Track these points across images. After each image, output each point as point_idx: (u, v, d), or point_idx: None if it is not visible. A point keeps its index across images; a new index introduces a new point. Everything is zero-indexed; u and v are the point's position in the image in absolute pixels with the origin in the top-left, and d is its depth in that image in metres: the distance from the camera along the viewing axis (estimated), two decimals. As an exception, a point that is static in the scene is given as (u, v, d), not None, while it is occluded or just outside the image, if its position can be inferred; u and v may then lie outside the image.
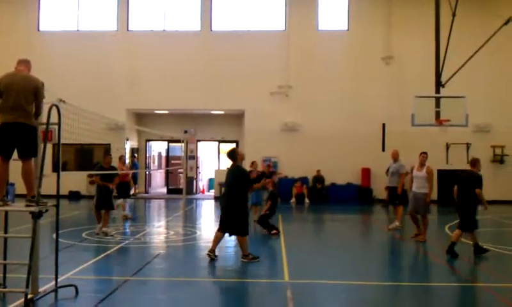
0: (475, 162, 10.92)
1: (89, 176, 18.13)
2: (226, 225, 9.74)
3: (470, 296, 7.77)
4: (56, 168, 7.59)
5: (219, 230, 9.89)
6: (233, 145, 26.56)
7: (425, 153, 12.57)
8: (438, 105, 17.13)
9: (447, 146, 23.01)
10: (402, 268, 10.35)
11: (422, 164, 12.44)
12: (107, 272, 8.95)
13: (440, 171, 22.48)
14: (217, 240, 9.93)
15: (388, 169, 17.09)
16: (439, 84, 17.84)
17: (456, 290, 8.00)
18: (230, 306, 7.01)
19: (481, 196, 10.41)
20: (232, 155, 10.05)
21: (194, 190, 26.31)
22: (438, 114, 17.10)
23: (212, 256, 9.77)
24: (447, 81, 17.72)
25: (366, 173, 23.00)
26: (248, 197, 12.83)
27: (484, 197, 10.42)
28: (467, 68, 17.98)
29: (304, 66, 23.66)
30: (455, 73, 17.77)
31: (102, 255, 10.15)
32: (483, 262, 10.12)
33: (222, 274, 9.06)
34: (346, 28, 24.04)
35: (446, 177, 22.62)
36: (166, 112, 25.76)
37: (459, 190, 10.81)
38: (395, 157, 14.13)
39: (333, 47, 23.97)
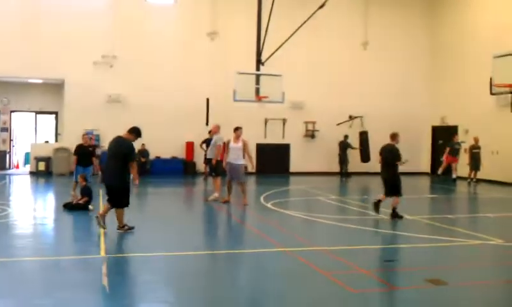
0: (394, 136, 12.20)
1: None
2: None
3: (277, 261, 8.48)
4: None
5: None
6: (53, 117, 25.17)
7: (240, 127, 13.86)
8: (257, 82, 18.02)
9: (266, 121, 24.41)
10: (218, 237, 10.91)
11: (237, 137, 13.69)
12: None
13: (258, 145, 23.89)
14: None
15: (202, 142, 19.77)
16: (259, 62, 18.77)
17: (267, 256, 8.67)
18: (43, 284, 6.78)
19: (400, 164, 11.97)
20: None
21: (8, 165, 24.35)
22: (257, 90, 18.00)
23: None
24: (266, 59, 18.67)
25: (190, 146, 23.42)
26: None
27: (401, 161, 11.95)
28: (286, 48, 19.08)
29: (131, 37, 23.04)
30: (274, 52, 18.78)
31: None
32: (294, 228, 11.12)
33: (34, 253, 8.66)
34: (173, 1, 23.94)
35: (263, 150, 24.18)
36: (-26, 79, 23.32)
37: (382, 161, 12.13)
38: (215, 131, 14.76)
39: (160, 20, 23.71)
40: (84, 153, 14.25)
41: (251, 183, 20.45)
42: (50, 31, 22.02)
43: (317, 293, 6.62)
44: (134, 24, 23.16)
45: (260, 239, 10.06)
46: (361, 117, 25.24)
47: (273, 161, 24.42)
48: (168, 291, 6.66)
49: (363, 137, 24.70)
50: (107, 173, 10.21)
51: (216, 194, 14.40)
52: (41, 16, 22.09)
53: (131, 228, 9.97)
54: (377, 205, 12.05)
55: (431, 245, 9.53)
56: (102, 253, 8.37)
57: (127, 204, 9.96)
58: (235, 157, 13.59)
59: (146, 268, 7.66)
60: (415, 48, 26.24)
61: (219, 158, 14.38)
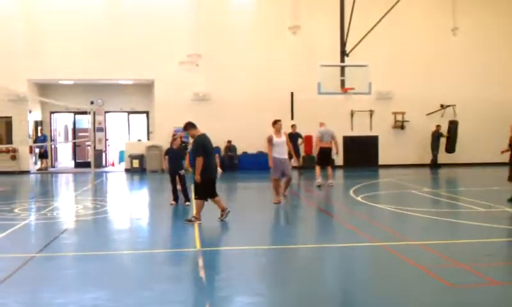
0: None
1: None
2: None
3: (370, 254, 8.27)
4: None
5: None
6: (144, 116, 26.19)
7: (279, 120, 12.96)
8: (342, 74, 17.71)
9: (352, 113, 23.97)
10: (309, 230, 10.81)
11: (278, 131, 12.82)
12: (12, 249, 8.58)
13: (345, 137, 23.52)
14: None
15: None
16: (343, 53, 18.43)
17: (359, 250, 8.48)
18: (141, 277, 7.02)
19: None
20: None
21: (104, 163, 25.65)
22: (342, 82, 17.69)
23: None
24: (351, 50, 18.31)
25: (276, 141, 23.46)
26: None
27: None
28: (370, 37, 18.65)
29: (214, 35, 23.50)
30: (358, 43, 18.39)
31: (6, 232, 9.72)
32: (385, 222, 10.81)
33: (133, 246, 9.02)
34: (255, -3, 24.13)
35: (350, 143, 23.78)
36: (71, 82, 24.72)
37: None
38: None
39: (242, 16, 24.00)
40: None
41: (339, 177, 20.23)
42: (137, 34, 22.97)
43: (414, 288, 6.36)
44: (217, 22, 23.58)
45: (352, 233, 9.84)
46: (453, 106, 24.13)
47: (361, 154, 23.93)
48: (262, 285, 6.66)
49: (453, 126, 23.63)
50: (214, 168, 10.46)
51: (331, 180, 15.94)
52: (129, 21, 23.11)
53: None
54: None
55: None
56: (198, 246, 8.55)
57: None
58: (282, 151, 12.80)
59: (240, 262, 7.72)
60: (509, 33, 24.68)
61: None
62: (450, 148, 23.54)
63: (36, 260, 7.80)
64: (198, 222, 10.07)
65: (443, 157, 23.63)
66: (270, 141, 12.75)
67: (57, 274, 7.16)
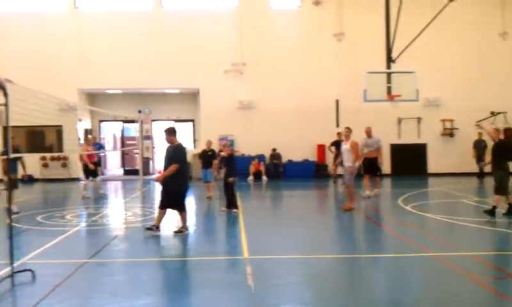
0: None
1: None
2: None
3: (421, 265, 8.07)
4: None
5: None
6: (190, 124, 26.51)
7: (347, 127, 13.38)
8: (389, 80, 17.43)
9: (399, 121, 23.56)
10: (358, 240, 10.65)
11: (346, 137, 13.19)
12: (64, 255, 8.83)
13: (392, 145, 23.14)
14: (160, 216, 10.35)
15: (330, 145, 20.31)
16: (390, 60, 18.15)
17: (409, 260, 8.29)
18: (190, 284, 7.07)
19: None
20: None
21: (151, 170, 26.08)
22: (389, 89, 17.41)
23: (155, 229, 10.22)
24: (397, 57, 18.02)
25: (321, 148, 23.33)
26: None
27: None
28: (416, 44, 18.29)
29: (258, 43, 23.63)
30: (405, 49, 18.07)
31: (59, 238, 10.00)
32: (436, 232, 10.53)
33: (181, 253, 9.11)
34: (298, 5, 24.10)
35: (398, 151, 23.37)
36: (119, 91, 25.32)
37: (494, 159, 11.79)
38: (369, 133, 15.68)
39: (285, 24, 24.03)
40: (206, 156, 15.61)
41: (386, 186, 19.90)
42: (183, 44, 23.42)
43: (467, 300, 6.16)
44: (260, 31, 23.69)
45: (402, 243, 9.63)
46: (504, 113, 23.35)
47: (408, 162, 23.46)
48: (311, 294, 6.59)
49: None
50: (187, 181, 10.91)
51: (376, 190, 15.62)
52: (174, 32, 23.57)
53: None
54: None
55: None
56: (245, 254, 8.55)
57: None
58: (345, 158, 13.10)
59: (287, 270, 7.66)
60: None
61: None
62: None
63: (88, 266, 7.97)
64: (157, 232, 10.18)
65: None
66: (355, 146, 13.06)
67: (108, 279, 7.30)
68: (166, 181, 10.16)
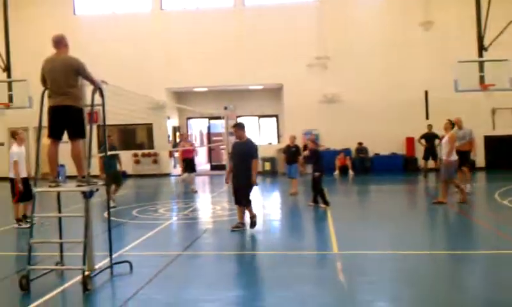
0: None
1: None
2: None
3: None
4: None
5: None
6: (273, 120, 26.66)
7: (449, 119, 12.94)
8: (481, 69, 16.66)
9: (493, 111, 22.35)
10: (454, 236, 10.21)
11: (446, 130, 12.77)
12: (159, 247, 9.16)
13: (486, 137, 22.00)
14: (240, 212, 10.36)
15: (420, 137, 19.73)
16: (482, 48, 17.31)
17: (508, 258, 7.85)
18: (280, 278, 7.09)
19: None
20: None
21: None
22: (482, 78, 16.63)
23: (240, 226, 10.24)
24: (489, 44, 17.16)
25: (410, 142, 22.62)
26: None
27: None
28: (509, 30, 17.34)
29: (341, 35, 23.25)
30: (498, 36, 17.17)
31: (153, 231, 10.40)
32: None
33: (270, 247, 9.16)
34: (381, -5, 23.50)
35: (492, 143, 22.17)
36: (205, 89, 25.91)
37: None
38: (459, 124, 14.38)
39: (369, 15, 23.48)
40: (290, 152, 15.49)
41: (480, 179, 19.00)
42: (266, 41, 23.56)
43: None
44: (343, 23, 23.33)
45: (500, 240, 9.12)
46: None
47: (505, 154, 22.18)
48: (407, 291, 6.39)
49: None
50: None
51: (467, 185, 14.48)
52: (257, 28, 23.76)
53: None
54: None
55: None
56: (335, 250, 8.46)
57: None
58: (443, 151, 12.75)
59: (380, 266, 7.50)
60: None
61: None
62: None
63: (181, 258, 8.23)
64: (243, 228, 10.17)
65: None
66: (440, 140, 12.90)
67: (201, 271, 7.49)
68: (241, 177, 10.13)
